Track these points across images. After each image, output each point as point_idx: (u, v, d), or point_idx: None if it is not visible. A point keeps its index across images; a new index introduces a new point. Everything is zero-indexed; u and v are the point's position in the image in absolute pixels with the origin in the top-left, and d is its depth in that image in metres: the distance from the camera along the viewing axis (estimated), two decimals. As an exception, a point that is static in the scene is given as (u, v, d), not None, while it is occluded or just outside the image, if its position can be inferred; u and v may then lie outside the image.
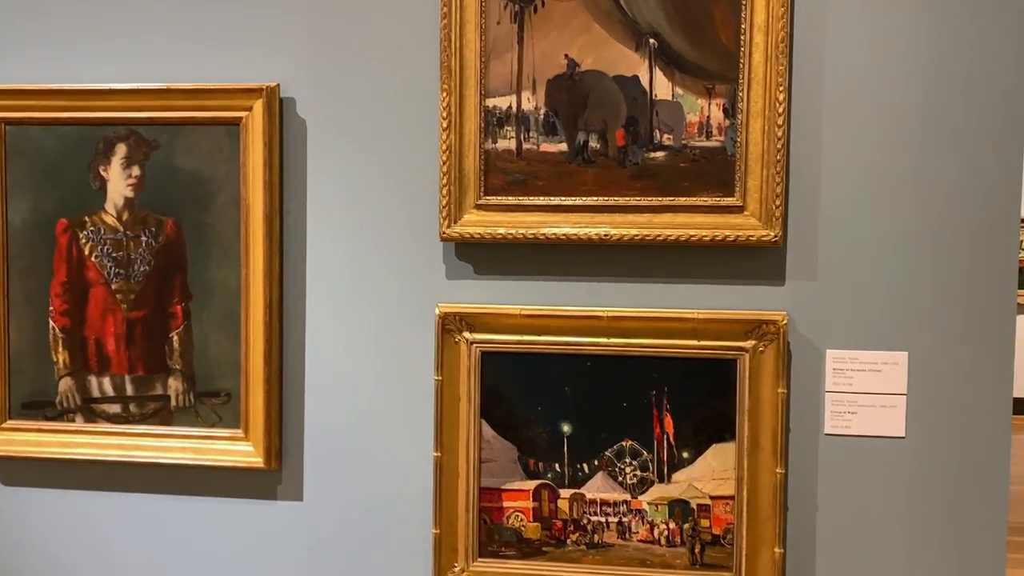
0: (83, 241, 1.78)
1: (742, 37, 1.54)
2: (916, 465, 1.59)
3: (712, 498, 1.60)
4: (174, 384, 1.77)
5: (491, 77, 1.61)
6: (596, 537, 1.64)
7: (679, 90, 1.57)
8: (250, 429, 1.74)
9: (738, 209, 1.56)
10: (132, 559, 1.84)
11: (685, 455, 1.61)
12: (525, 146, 1.62)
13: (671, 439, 1.61)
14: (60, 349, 1.80)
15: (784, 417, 1.57)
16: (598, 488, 1.64)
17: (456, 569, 1.68)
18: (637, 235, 1.58)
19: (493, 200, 1.63)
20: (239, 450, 1.75)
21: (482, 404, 1.65)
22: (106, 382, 1.79)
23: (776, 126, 1.53)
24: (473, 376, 1.65)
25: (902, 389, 1.58)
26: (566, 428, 1.64)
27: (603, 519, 1.64)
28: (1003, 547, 1.58)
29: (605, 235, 1.59)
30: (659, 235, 1.58)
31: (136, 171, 1.75)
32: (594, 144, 1.60)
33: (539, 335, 1.63)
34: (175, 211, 1.75)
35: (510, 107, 1.61)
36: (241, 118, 1.69)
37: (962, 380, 1.57)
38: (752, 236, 1.55)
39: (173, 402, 1.77)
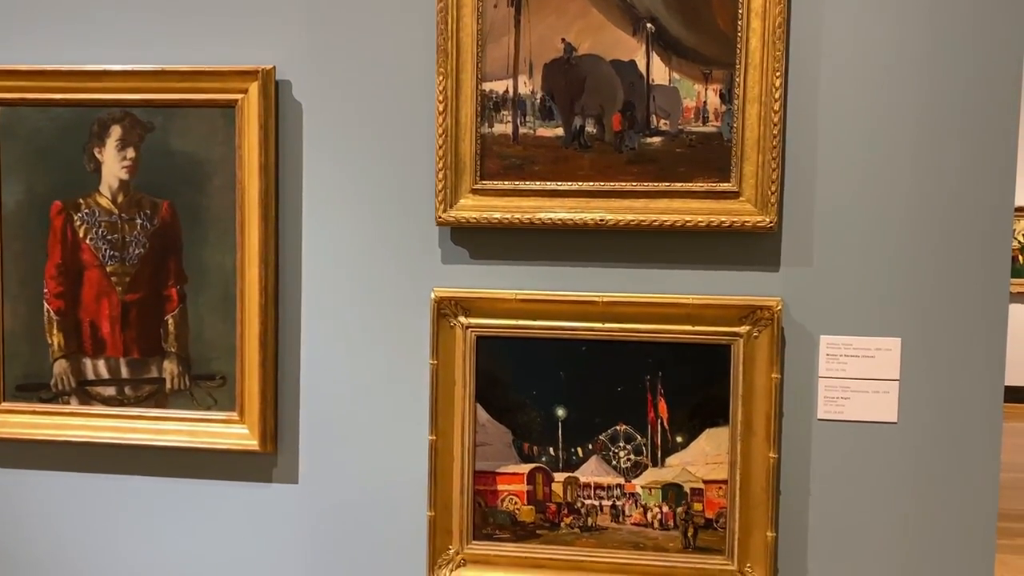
0: (78, 223, 1.77)
1: (739, 22, 1.53)
2: (908, 451, 1.60)
3: (705, 482, 1.61)
4: (169, 367, 1.77)
5: (488, 61, 1.61)
6: (590, 520, 1.65)
7: (676, 75, 1.57)
8: (245, 412, 1.74)
9: (734, 195, 1.56)
10: (127, 541, 1.84)
11: (679, 439, 1.62)
12: (521, 130, 1.61)
13: (665, 423, 1.62)
14: (55, 331, 1.80)
15: (777, 402, 1.58)
16: (592, 472, 1.64)
17: (450, 551, 1.69)
18: (633, 220, 1.58)
19: (489, 185, 1.63)
20: (234, 433, 1.75)
21: (477, 388, 1.66)
22: (101, 365, 1.79)
23: (772, 112, 1.53)
24: (468, 360, 1.66)
25: (895, 375, 1.59)
26: (560, 412, 1.65)
27: (597, 502, 1.65)
28: (993, 533, 1.60)
29: (601, 220, 1.59)
30: (655, 220, 1.58)
31: (131, 153, 1.74)
32: (591, 129, 1.60)
33: (534, 320, 1.64)
34: (170, 194, 1.74)
35: (506, 91, 1.61)
36: (237, 101, 1.69)
37: (955, 367, 1.58)
38: (747, 222, 1.56)
39: (168, 385, 1.78)
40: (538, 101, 1.61)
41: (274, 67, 1.69)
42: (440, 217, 1.64)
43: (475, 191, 1.63)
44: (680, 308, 1.60)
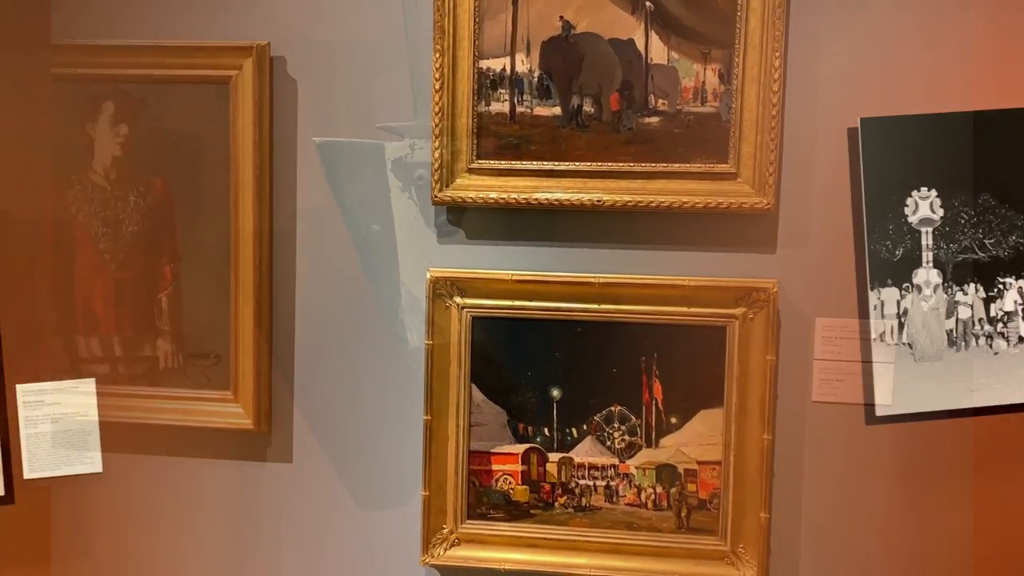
0: (70, 200, 1.76)
1: (739, 1, 1.52)
2: (902, 433, 1.60)
3: (699, 463, 1.62)
4: (163, 345, 1.76)
5: (485, 38, 1.59)
6: (584, 500, 1.66)
7: (675, 54, 1.56)
8: (239, 391, 1.74)
9: (731, 176, 1.55)
10: (120, 520, 1.84)
11: (673, 421, 1.62)
12: (519, 109, 1.60)
13: (660, 405, 1.62)
14: (48, 308, 1.78)
15: (772, 384, 1.58)
16: (586, 452, 1.65)
17: (445, 530, 1.69)
18: (630, 201, 1.58)
19: (486, 164, 1.61)
20: (228, 412, 1.74)
21: (472, 368, 1.65)
22: (94, 342, 1.79)
23: (771, 93, 1.52)
24: (464, 340, 1.65)
25: (890, 358, 1.59)
26: (556, 393, 1.65)
27: (591, 483, 1.65)
28: (984, 514, 1.61)
29: (598, 201, 1.59)
30: (652, 201, 1.57)
31: (124, 130, 1.73)
32: (588, 108, 1.59)
33: (530, 300, 1.63)
34: (163, 171, 1.73)
35: (504, 69, 1.60)
36: (231, 77, 1.67)
37: (949, 350, 1.58)
38: (745, 203, 1.55)
39: (162, 363, 1.77)
40: (536, 79, 1.59)
41: (268, 43, 1.67)
42: (436, 196, 1.63)
43: (471, 170, 1.62)
44: (676, 289, 1.59)
